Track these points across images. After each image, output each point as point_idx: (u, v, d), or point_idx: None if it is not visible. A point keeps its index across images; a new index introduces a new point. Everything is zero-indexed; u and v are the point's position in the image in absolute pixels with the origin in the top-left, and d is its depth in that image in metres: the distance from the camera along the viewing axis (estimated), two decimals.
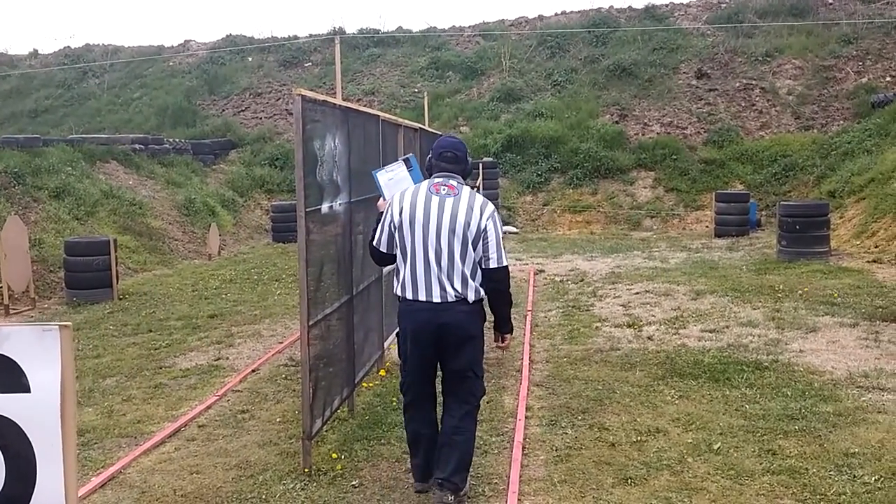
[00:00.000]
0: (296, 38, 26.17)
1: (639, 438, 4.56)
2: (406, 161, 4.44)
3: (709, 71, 19.78)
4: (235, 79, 24.13)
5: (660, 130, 18.42)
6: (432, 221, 3.56)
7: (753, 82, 19.17)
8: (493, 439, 4.68)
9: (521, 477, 4.09)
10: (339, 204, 4.90)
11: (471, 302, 3.61)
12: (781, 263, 10.66)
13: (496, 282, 3.65)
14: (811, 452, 4.24)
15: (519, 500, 3.83)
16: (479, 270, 3.62)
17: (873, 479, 3.87)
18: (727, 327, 7.25)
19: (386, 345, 6.23)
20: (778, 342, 6.63)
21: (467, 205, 3.58)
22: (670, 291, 9.15)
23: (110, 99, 24.42)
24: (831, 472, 3.98)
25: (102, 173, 15.10)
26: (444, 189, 3.63)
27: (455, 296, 3.58)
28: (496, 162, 16.86)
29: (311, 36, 25.90)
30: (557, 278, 10.54)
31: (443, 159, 3.73)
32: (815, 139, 16.72)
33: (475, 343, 3.71)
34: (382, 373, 6.08)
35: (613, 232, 15.86)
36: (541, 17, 24.75)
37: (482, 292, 3.67)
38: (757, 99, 18.76)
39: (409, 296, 3.64)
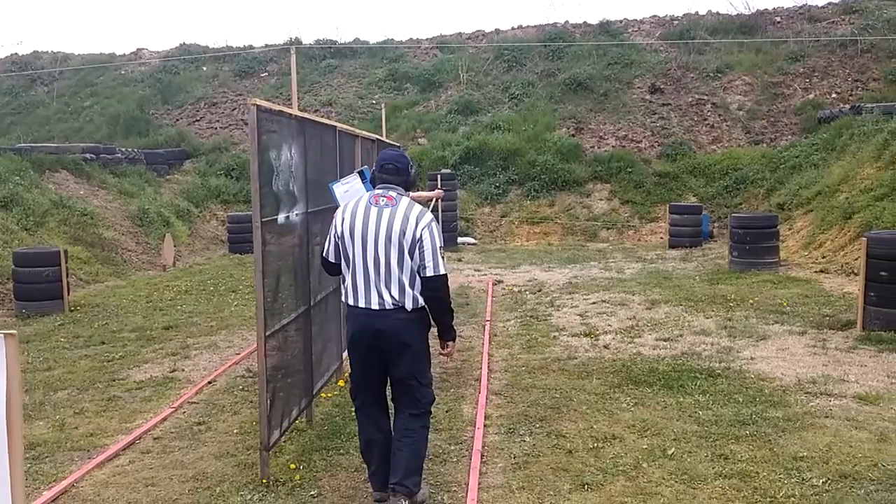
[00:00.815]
0: (251, 47, 25.98)
1: (595, 445, 4.62)
2: (361, 173, 4.58)
3: (662, 86, 20.26)
4: (189, 88, 23.81)
5: (615, 144, 18.77)
6: (370, 231, 3.66)
7: (705, 97, 19.69)
8: (452, 448, 4.70)
9: (479, 484, 4.12)
10: (296, 214, 4.89)
11: (409, 310, 3.67)
12: (733, 274, 10.94)
13: (433, 290, 3.69)
14: (762, 456, 4.36)
15: None
16: (417, 278, 3.67)
17: (821, 481, 4.00)
18: (681, 336, 7.40)
19: (345, 355, 6.21)
20: (730, 350, 6.80)
21: (403, 214, 3.66)
22: (626, 301, 9.31)
23: (60, 107, 23.86)
24: (781, 476, 4.09)
25: (52, 183, 14.72)
26: (382, 200, 3.72)
27: (392, 303, 3.65)
28: (454, 174, 16.96)
29: (266, 46, 25.74)
30: (516, 289, 10.64)
31: (384, 171, 3.82)
32: (765, 153, 17.24)
33: (414, 351, 3.74)
34: (341, 383, 6.04)
35: (570, 243, 16.07)
36: (497, 31, 25.05)
37: (422, 300, 3.72)
38: (709, 114, 19.27)
39: (351, 302, 3.75)
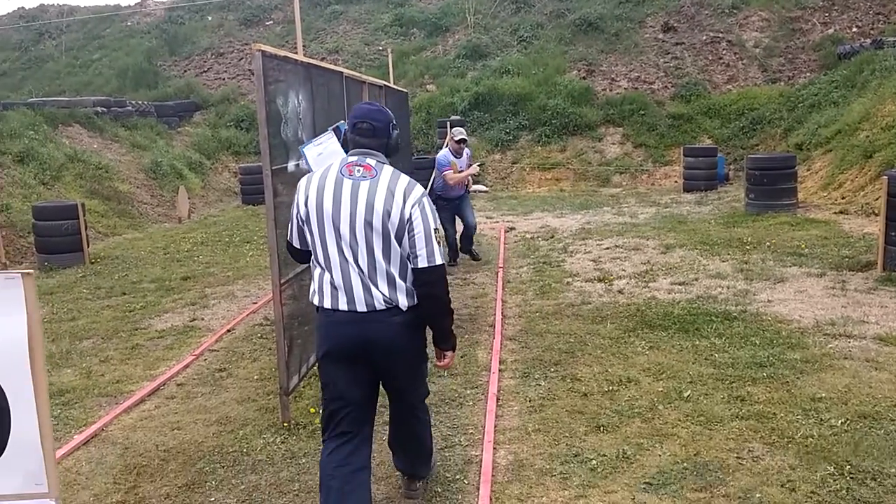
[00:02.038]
0: None
1: (610, 388, 4.67)
2: (336, 130, 3.77)
3: (675, 24, 19.75)
4: (196, 38, 23.53)
5: (627, 86, 18.43)
6: (344, 211, 2.84)
7: (720, 35, 19.20)
8: (468, 392, 4.76)
9: (496, 427, 4.18)
10: (306, 162, 4.87)
11: (405, 309, 2.92)
12: (749, 216, 10.84)
13: (427, 285, 2.90)
14: (779, 398, 4.38)
15: (494, 448, 3.92)
16: (409, 267, 2.93)
17: (840, 421, 4.01)
18: (696, 280, 7.39)
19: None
20: (746, 293, 6.79)
21: (387, 189, 2.85)
22: (640, 246, 9.27)
23: (69, 61, 23.69)
24: (798, 417, 4.11)
25: (66, 137, 14.73)
26: (358, 170, 2.89)
27: (384, 301, 2.88)
28: (464, 120, 16.76)
29: None
30: (528, 235, 10.61)
31: (358, 132, 2.97)
32: (783, 92, 16.86)
33: (413, 362, 3.09)
34: None
35: (583, 188, 15.95)
36: None
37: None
38: (724, 52, 18.82)
39: (327, 304, 2.92)
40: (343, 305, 2.88)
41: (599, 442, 3.94)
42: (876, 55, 14.70)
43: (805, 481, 3.43)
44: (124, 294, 8.09)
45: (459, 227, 8.87)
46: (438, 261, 2.89)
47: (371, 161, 2.93)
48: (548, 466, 3.71)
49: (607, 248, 9.26)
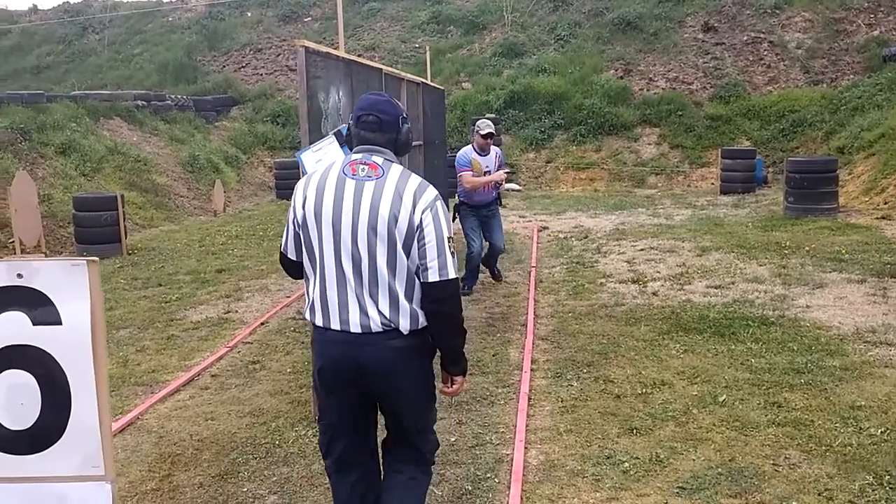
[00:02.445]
0: None
1: (644, 391, 4.62)
2: (338, 134, 3.31)
3: (715, 24, 19.45)
4: (235, 34, 23.83)
5: (665, 86, 18.21)
6: (346, 215, 2.49)
7: (762, 35, 18.86)
8: (500, 390, 4.75)
9: (527, 426, 4.16)
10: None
11: (406, 332, 2.53)
12: (788, 220, 10.64)
13: (437, 302, 2.53)
14: (817, 405, 4.29)
15: (526, 448, 3.90)
16: (417, 285, 2.55)
17: (879, 430, 3.92)
18: (733, 283, 7.27)
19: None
20: (784, 298, 6.66)
21: (394, 190, 2.49)
22: (675, 248, 9.16)
23: (111, 55, 24.17)
24: (837, 425, 4.02)
25: (106, 130, 15.04)
26: (362, 169, 2.53)
27: (382, 323, 2.51)
28: (499, 118, 16.72)
29: None
30: (561, 235, 10.55)
31: (363, 125, 2.61)
32: (825, 94, 16.51)
33: (415, 394, 2.65)
34: None
35: (617, 189, 15.80)
36: None
37: (423, 318, 2.58)
38: (765, 53, 18.48)
39: (319, 321, 2.58)
40: (335, 324, 2.53)
41: (632, 444, 3.90)
42: None
43: (843, 490, 3.36)
44: (160, 285, 8.23)
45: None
46: (452, 274, 2.51)
47: (377, 159, 2.56)
48: (579, 468, 3.68)
49: (642, 250, 9.16)
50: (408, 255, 2.49)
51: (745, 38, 18.93)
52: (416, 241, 2.49)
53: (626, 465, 3.68)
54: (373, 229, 2.47)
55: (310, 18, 24.30)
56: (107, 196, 10.28)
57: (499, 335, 5.91)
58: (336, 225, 2.50)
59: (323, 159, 3.50)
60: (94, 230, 9.91)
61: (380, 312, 2.50)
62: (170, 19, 25.77)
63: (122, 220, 10.08)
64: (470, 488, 3.54)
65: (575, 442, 3.97)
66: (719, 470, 3.59)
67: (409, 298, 2.53)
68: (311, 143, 3.85)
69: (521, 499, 3.40)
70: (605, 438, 3.99)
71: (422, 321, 2.56)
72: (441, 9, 22.90)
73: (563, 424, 4.18)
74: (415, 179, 2.56)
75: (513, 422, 4.24)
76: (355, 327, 2.51)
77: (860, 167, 12.77)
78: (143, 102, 16.90)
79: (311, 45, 4.28)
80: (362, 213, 2.48)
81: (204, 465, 3.87)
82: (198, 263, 9.37)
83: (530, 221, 11.79)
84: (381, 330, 2.51)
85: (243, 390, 4.93)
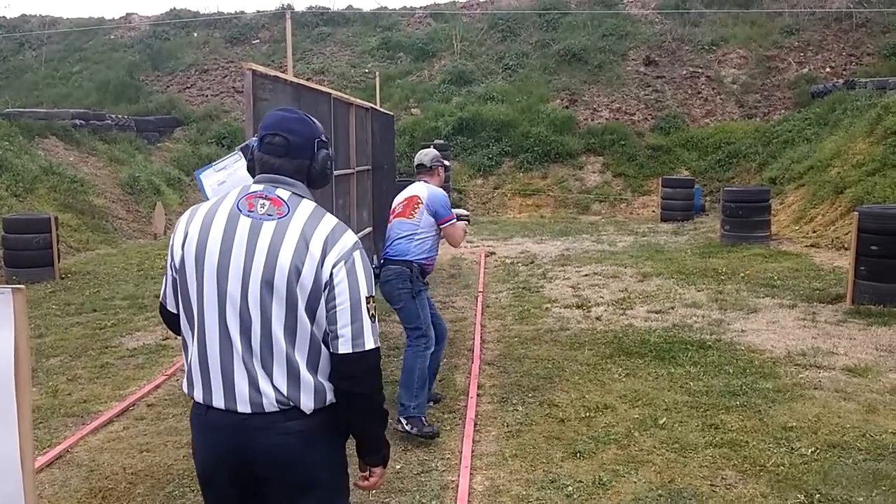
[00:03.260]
0: (243, 13, 25.65)
1: (587, 414, 4.67)
2: (245, 149, 2.79)
3: (656, 58, 20.12)
4: (180, 54, 23.49)
5: (609, 116, 18.69)
6: (235, 263, 1.96)
7: (699, 70, 19.58)
8: (446, 416, 4.74)
9: (473, 452, 4.16)
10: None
11: (309, 412, 1.99)
12: (724, 247, 10.99)
13: (350, 379, 1.99)
14: (751, 426, 4.42)
15: (471, 473, 3.90)
16: (324, 354, 2.01)
17: (810, 451, 4.06)
18: (672, 308, 7.45)
19: None
20: (721, 322, 6.86)
21: (300, 235, 1.96)
22: (618, 273, 9.35)
23: (48, 72, 23.50)
24: (770, 445, 4.15)
25: (41, 149, 14.55)
26: (262, 205, 2.00)
27: (277, 401, 1.96)
28: (447, 145, 16.86)
29: (258, 12, 25.40)
30: (508, 260, 10.66)
31: (266, 148, 2.08)
32: (758, 127, 17.21)
33: (324, 488, 2.06)
34: None
35: (563, 215, 16.08)
36: (492, 0, 24.75)
37: (331, 394, 2.03)
38: (702, 87, 19.19)
39: (198, 396, 2.03)
40: (218, 401, 1.98)
41: (576, 468, 3.94)
42: (848, 95, 15.10)
43: None
44: (95, 311, 7.96)
45: None
46: (369, 345, 1.98)
47: (283, 193, 2.03)
48: (524, 492, 3.69)
49: (586, 275, 9.31)
50: (312, 319, 1.96)
51: (684, 72, 19.63)
52: (323, 302, 1.95)
53: (570, 488, 3.71)
54: (268, 284, 1.93)
55: (258, 41, 24.16)
56: (39, 218, 9.91)
57: (445, 360, 5.89)
58: (221, 275, 1.96)
59: (227, 181, 3.00)
60: (25, 253, 9.52)
61: (275, 388, 1.95)
62: (112, 37, 25.25)
63: (55, 242, 9.72)
64: None
65: (520, 467, 3.98)
66: (659, 492, 3.64)
67: (314, 369, 1.99)
68: (212, 163, 3.28)
69: None
70: (550, 463, 4.02)
71: (329, 397, 2.01)
72: (391, 35, 23.08)
73: (509, 449, 4.20)
74: (328, 222, 2.01)
75: (459, 447, 4.23)
76: (244, 406, 1.96)
77: (791, 197, 13.31)
78: (82, 122, 16.43)
79: (259, 67, 4.26)
80: (256, 262, 1.94)
81: (137, 500, 3.73)
82: (136, 288, 9.10)
83: (478, 247, 11.88)
84: (276, 409, 1.96)
85: (181, 420, 4.78)
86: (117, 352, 6.40)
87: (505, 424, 4.57)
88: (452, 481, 3.83)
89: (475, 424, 4.55)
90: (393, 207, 4.88)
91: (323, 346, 2.00)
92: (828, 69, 18.74)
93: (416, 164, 4.93)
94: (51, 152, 14.67)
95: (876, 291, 7.13)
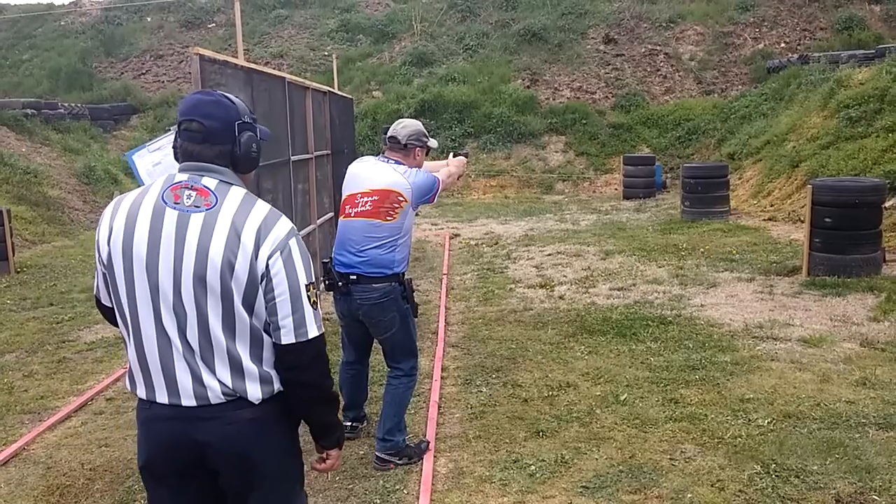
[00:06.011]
0: None
1: (550, 393, 4.72)
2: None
3: (615, 36, 20.20)
4: (134, 40, 22.93)
5: (570, 95, 18.74)
6: (164, 260, 1.88)
7: (658, 48, 19.72)
8: (411, 400, 4.73)
9: (437, 434, 4.18)
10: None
11: (257, 402, 1.95)
12: (685, 223, 11.14)
13: (295, 369, 1.96)
14: (710, 399, 4.50)
15: (435, 457, 3.91)
16: (267, 342, 1.97)
17: (766, 421, 4.15)
18: (634, 285, 7.54)
19: None
20: (681, 298, 6.97)
21: (230, 227, 1.88)
22: (581, 252, 9.42)
23: None
24: (728, 417, 4.24)
25: None
26: (188, 196, 1.91)
27: (224, 393, 1.92)
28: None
29: None
30: (472, 242, 10.67)
31: (185, 135, 1.98)
32: (716, 103, 17.42)
33: (279, 474, 2.04)
34: None
35: (527, 196, 16.13)
36: None
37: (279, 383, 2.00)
38: (661, 64, 19.33)
39: (141, 393, 1.98)
40: (162, 398, 1.93)
41: (539, 447, 3.98)
42: (802, 70, 15.34)
43: (733, 480, 3.53)
44: (52, 305, 7.79)
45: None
46: (312, 332, 1.94)
47: (209, 182, 1.93)
48: (487, 473, 3.72)
49: (549, 255, 9.37)
50: (250, 312, 1.90)
51: (643, 49, 19.74)
52: (261, 294, 1.89)
53: (533, 468, 3.74)
54: (200, 280, 1.85)
55: (214, 24, 23.66)
56: None
57: None
58: (151, 272, 1.88)
59: (163, 162, 2.74)
60: None
61: (219, 381, 1.90)
62: (62, 23, 24.52)
63: (8, 236, 9.47)
64: (378, 501, 3.52)
65: (483, 448, 4.01)
66: (620, 467, 3.70)
67: (258, 360, 1.94)
68: (146, 143, 2.92)
69: None
70: (513, 443, 4.05)
71: (277, 386, 1.97)
72: (350, 17, 22.78)
73: (472, 431, 4.22)
74: (260, 210, 1.92)
75: (422, 431, 4.24)
76: (188, 399, 1.90)
77: (748, 172, 13.53)
78: (33, 111, 15.96)
79: (207, 52, 4.17)
80: (186, 257, 1.86)
81: (96, 496, 3.67)
82: (94, 280, 8.91)
83: (442, 229, 11.87)
84: (223, 401, 1.91)
85: None
86: (75, 346, 6.28)
87: (469, 406, 4.59)
88: (416, 465, 3.84)
89: (439, 407, 4.56)
90: (346, 197, 3.80)
91: (265, 335, 1.95)
92: (783, 44, 19.02)
93: (388, 135, 3.87)
94: (2, 143, 14.24)
95: (830, 263, 7.30)
